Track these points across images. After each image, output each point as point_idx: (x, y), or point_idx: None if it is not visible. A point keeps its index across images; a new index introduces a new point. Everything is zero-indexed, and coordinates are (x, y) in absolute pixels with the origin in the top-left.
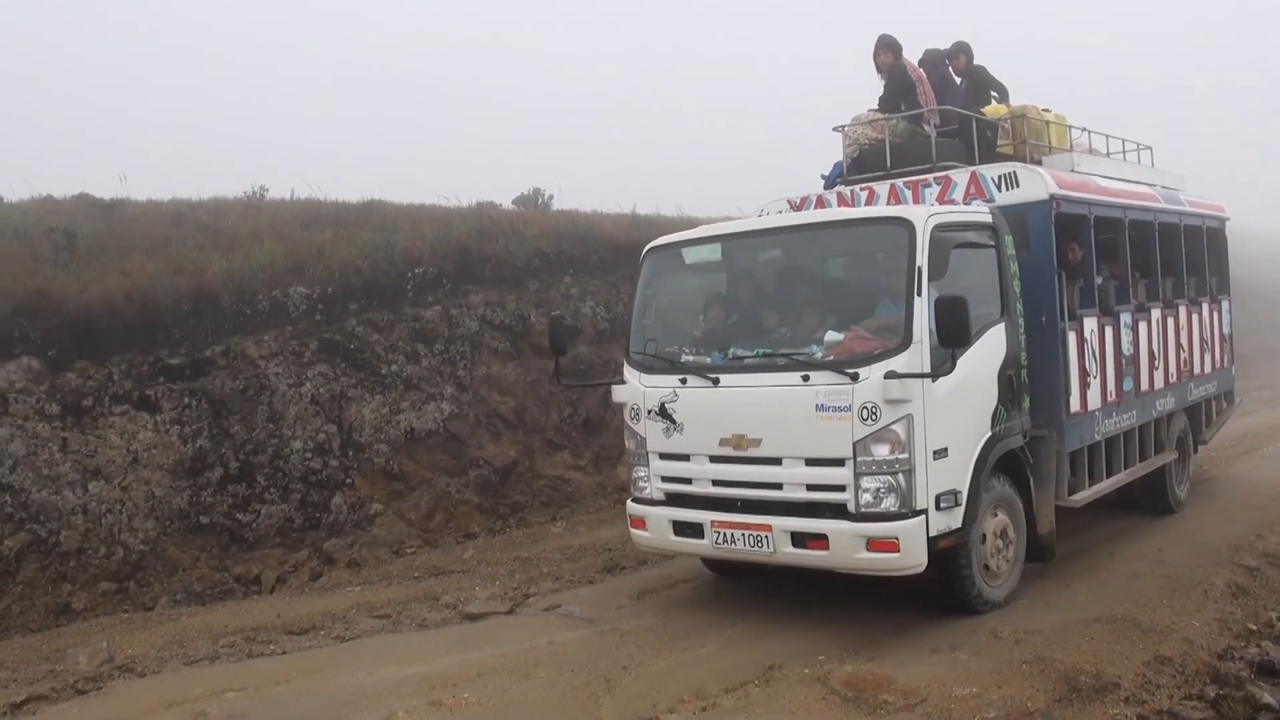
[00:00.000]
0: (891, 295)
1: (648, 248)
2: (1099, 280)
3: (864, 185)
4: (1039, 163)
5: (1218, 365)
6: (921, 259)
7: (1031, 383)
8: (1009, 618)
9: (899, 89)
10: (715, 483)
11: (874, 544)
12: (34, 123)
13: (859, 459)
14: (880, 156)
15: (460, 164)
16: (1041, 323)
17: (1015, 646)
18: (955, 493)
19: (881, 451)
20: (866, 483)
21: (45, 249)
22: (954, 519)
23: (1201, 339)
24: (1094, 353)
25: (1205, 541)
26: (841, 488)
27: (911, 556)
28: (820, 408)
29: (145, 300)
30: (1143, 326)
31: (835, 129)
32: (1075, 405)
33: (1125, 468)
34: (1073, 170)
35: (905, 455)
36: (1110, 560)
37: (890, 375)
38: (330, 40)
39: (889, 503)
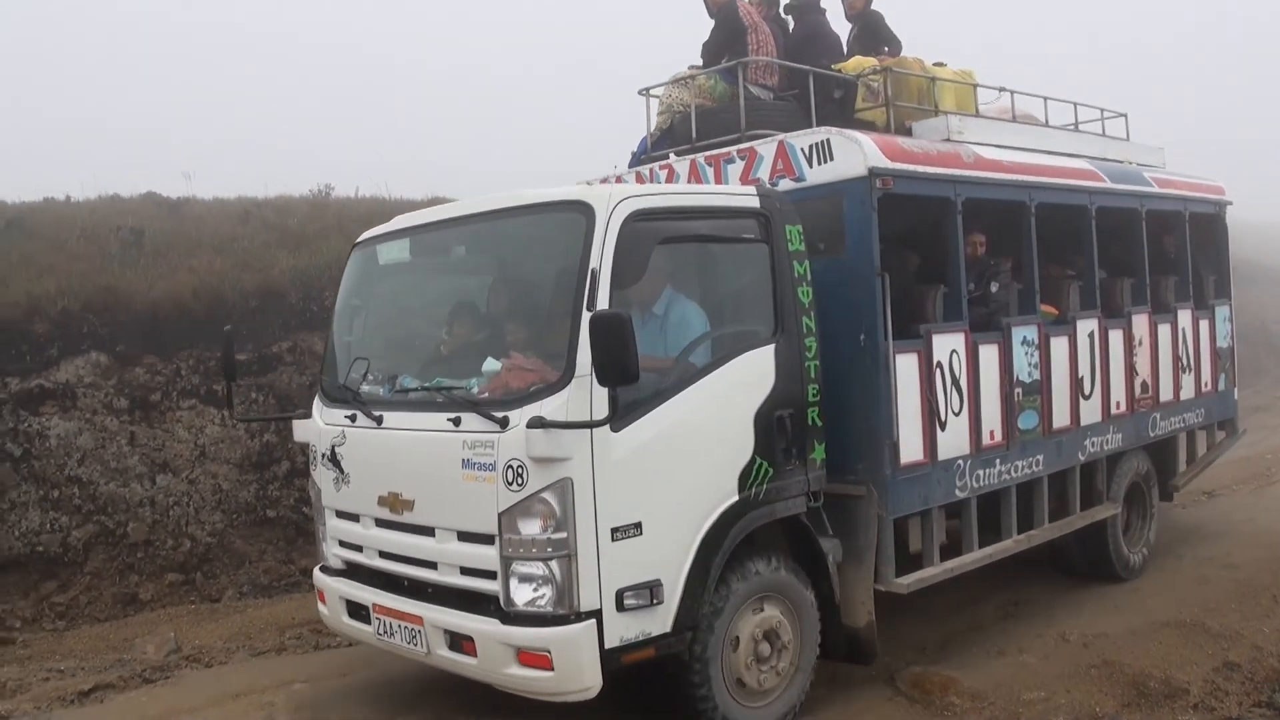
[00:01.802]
0: (563, 310)
1: (356, 242)
2: (994, 287)
3: (664, 163)
4: (908, 131)
5: (1205, 388)
6: (598, 259)
7: (846, 424)
8: (1077, 621)
9: (725, 36)
10: (381, 554)
11: (524, 656)
12: (102, 122)
13: (504, 536)
14: (712, 124)
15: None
16: (860, 343)
17: (1083, 650)
18: (655, 586)
19: (530, 528)
20: (517, 569)
21: (113, 247)
22: (654, 622)
23: (1177, 356)
24: (955, 381)
25: (1274, 545)
26: (493, 574)
27: (571, 677)
28: (466, 464)
29: (213, 297)
30: (1058, 344)
31: (641, 92)
32: (912, 453)
33: (1017, 532)
34: (947, 139)
35: (563, 535)
36: (1179, 563)
37: (536, 423)
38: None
39: (545, 600)
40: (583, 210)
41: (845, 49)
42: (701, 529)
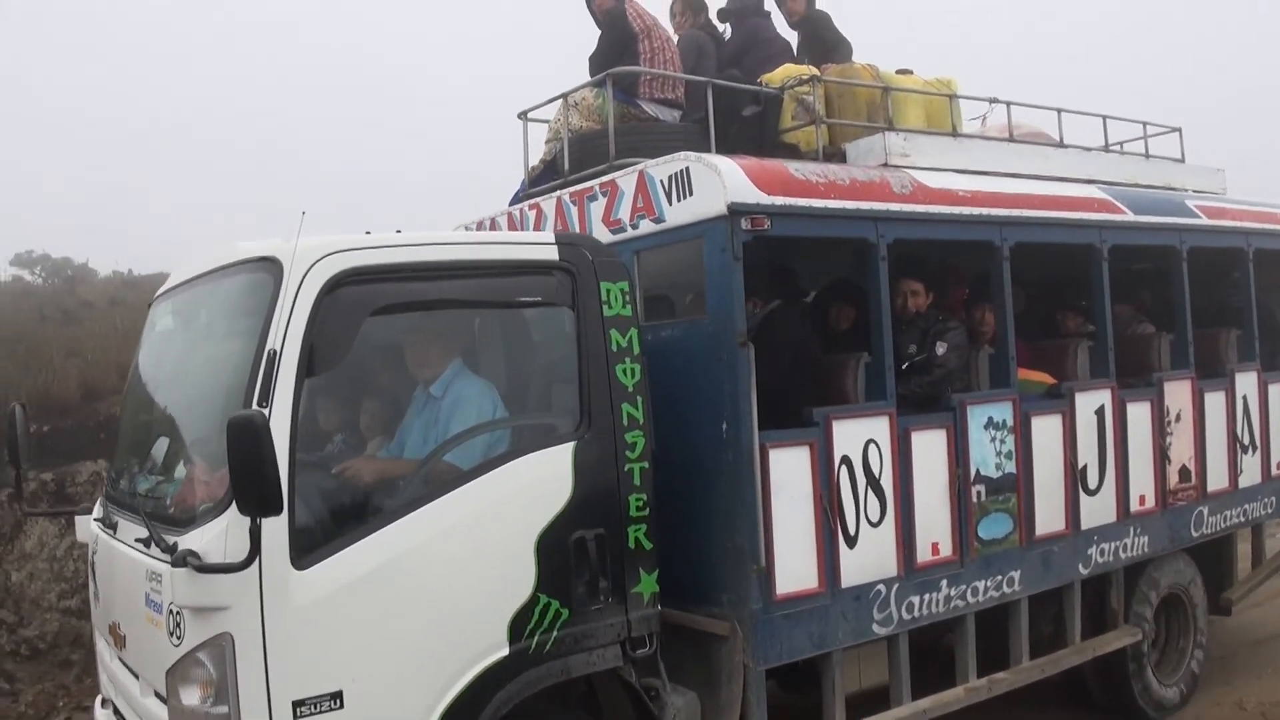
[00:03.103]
0: (236, 403)
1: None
2: (939, 349)
3: (534, 203)
4: (841, 155)
5: (1277, 472)
6: (279, 336)
7: (709, 540)
8: (1254, 686)
9: (610, 45)
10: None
11: None
12: None
13: (170, 703)
14: (591, 151)
15: None
16: (722, 436)
17: None
18: None
19: (190, 697)
20: None
21: None
22: None
23: (1234, 432)
24: (872, 481)
25: None
26: None
27: None
28: (148, 600)
29: None
30: (1046, 425)
31: (521, 115)
32: (796, 580)
33: (977, 674)
34: (884, 163)
35: (223, 709)
36: (1230, 691)
37: (181, 561)
38: None
39: None
40: (270, 270)
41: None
42: (444, 698)
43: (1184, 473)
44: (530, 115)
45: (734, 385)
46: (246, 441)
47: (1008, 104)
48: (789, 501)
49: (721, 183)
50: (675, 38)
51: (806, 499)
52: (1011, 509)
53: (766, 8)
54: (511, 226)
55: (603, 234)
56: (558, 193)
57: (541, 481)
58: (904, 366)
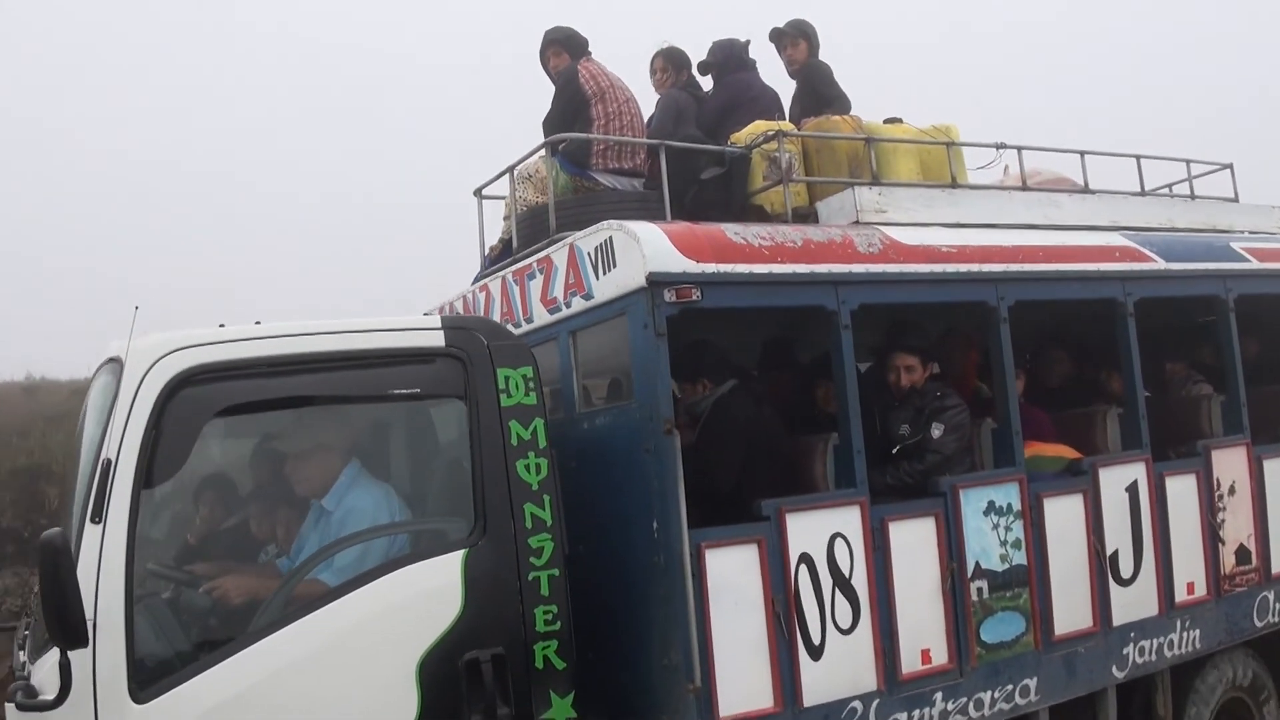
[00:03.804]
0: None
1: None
2: (935, 430)
3: (483, 284)
4: (813, 215)
5: None
6: (115, 444)
7: (646, 656)
8: None
9: (562, 109)
10: None
11: None
12: None
13: None
14: (541, 227)
15: None
16: (653, 536)
17: None
18: None
19: None
20: None
21: None
22: None
23: None
24: (842, 582)
25: None
26: None
27: None
28: None
29: None
30: (1063, 506)
31: (476, 193)
32: (747, 699)
33: None
34: (855, 220)
35: None
36: None
37: (12, 697)
38: None
39: None
40: (114, 371)
41: (788, 112)
42: None
43: (1242, 554)
44: (485, 192)
45: (661, 478)
46: (47, 566)
47: (1018, 149)
48: (733, 609)
49: (640, 252)
50: (656, 97)
51: (755, 605)
52: (1023, 606)
53: (752, 57)
54: (466, 310)
55: (541, 314)
56: (503, 272)
57: (425, 596)
58: (894, 450)
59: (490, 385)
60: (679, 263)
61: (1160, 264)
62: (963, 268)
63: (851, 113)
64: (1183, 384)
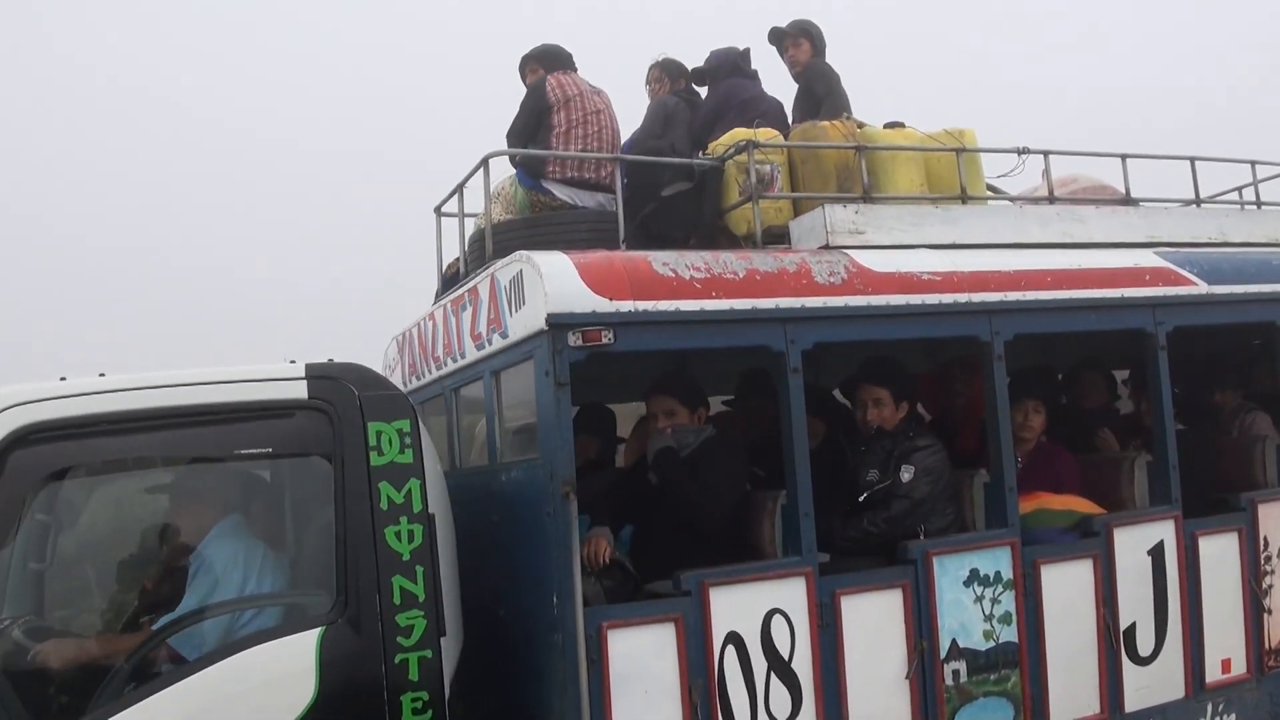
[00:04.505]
0: None
1: None
2: (905, 474)
3: (430, 312)
4: (784, 236)
5: None
6: None
7: None
8: None
9: (525, 119)
10: None
11: None
12: None
13: None
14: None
15: None
16: (553, 611)
17: None
18: None
19: None
20: None
21: None
22: None
23: None
24: (779, 666)
25: None
26: None
27: None
28: None
29: None
30: (1065, 574)
31: (436, 210)
32: None
33: None
34: (825, 245)
35: None
36: None
37: None
38: None
39: None
40: None
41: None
42: None
43: None
44: (445, 211)
45: (561, 546)
46: None
47: (1045, 153)
48: (642, 699)
49: (543, 289)
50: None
51: (670, 695)
52: (1011, 690)
53: (754, 67)
54: (419, 341)
55: (470, 349)
56: (446, 300)
57: (274, 681)
58: (861, 499)
59: (359, 442)
60: (588, 301)
61: (1201, 287)
62: (947, 298)
63: (851, 117)
64: (1234, 416)
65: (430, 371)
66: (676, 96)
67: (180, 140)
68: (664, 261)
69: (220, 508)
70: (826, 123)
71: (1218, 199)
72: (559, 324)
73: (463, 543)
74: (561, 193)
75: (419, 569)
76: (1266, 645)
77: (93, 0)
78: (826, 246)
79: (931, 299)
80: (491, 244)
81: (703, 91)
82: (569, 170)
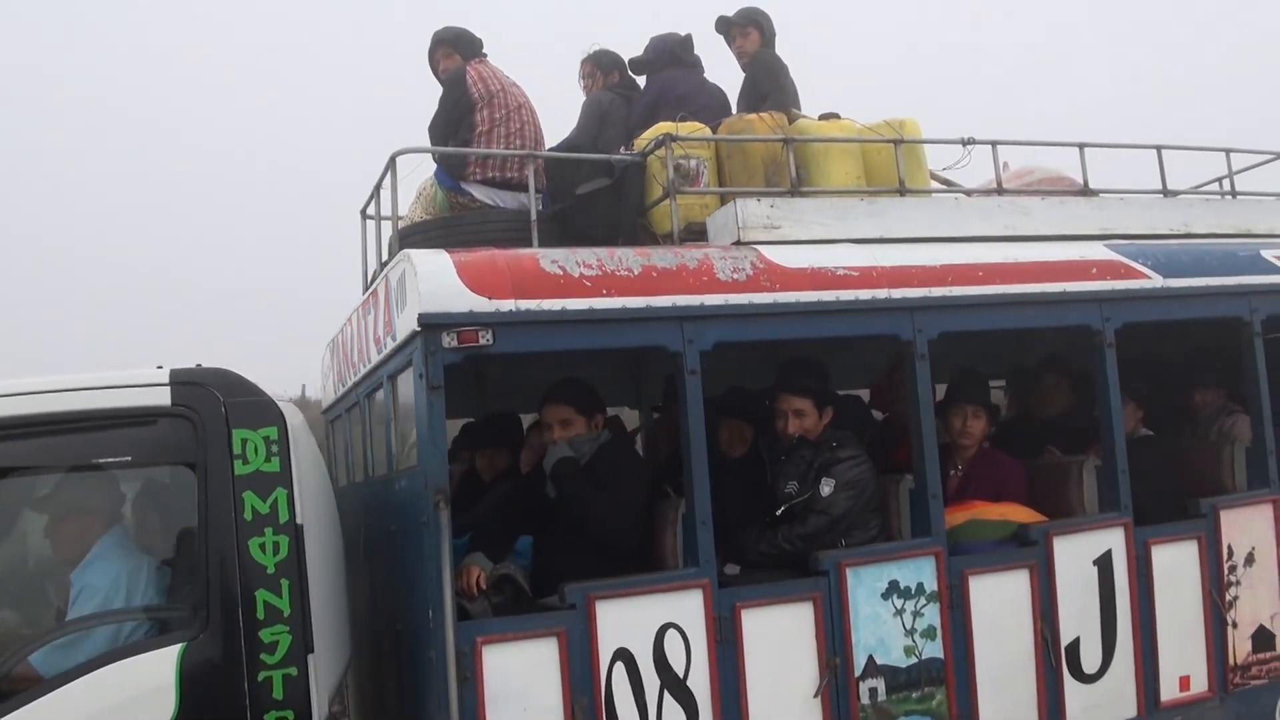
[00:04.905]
0: None
1: None
2: (825, 488)
3: (350, 316)
4: (700, 230)
5: None
6: None
7: None
8: None
9: (447, 114)
10: None
11: None
12: None
13: None
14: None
15: None
16: (429, 626)
17: None
18: None
19: None
20: None
21: None
22: None
23: None
24: (672, 682)
25: None
26: None
27: None
28: None
29: None
30: (996, 585)
31: (362, 211)
32: None
33: None
34: (737, 241)
35: None
36: None
37: None
38: None
39: None
40: None
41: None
42: None
43: (1262, 638)
44: (369, 213)
45: (434, 558)
46: None
47: (992, 143)
48: (519, 718)
49: (417, 289)
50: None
51: (552, 714)
52: (937, 709)
53: (697, 54)
54: (340, 346)
55: (373, 353)
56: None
57: (134, 699)
58: (779, 513)
59: (223, 449)
60: (465, 300)
61: (1155, 281)
62: (864, 294)
63: (797, 111)
64: (1214, 418)
65: (351, 377)
66: (612, 92)
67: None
68: (553, 259)
69: (99, 521)
70: (753, 115)
71: (1199, 190)
72: (431, 324)
73: (370, 555)
74: (481, 194)
75: (284, 582)
76: (1232, 661)
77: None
78: (739, 242)
79: (846, 295)
80: (399, 246)
81: (642, 82)
82: (490, 170)
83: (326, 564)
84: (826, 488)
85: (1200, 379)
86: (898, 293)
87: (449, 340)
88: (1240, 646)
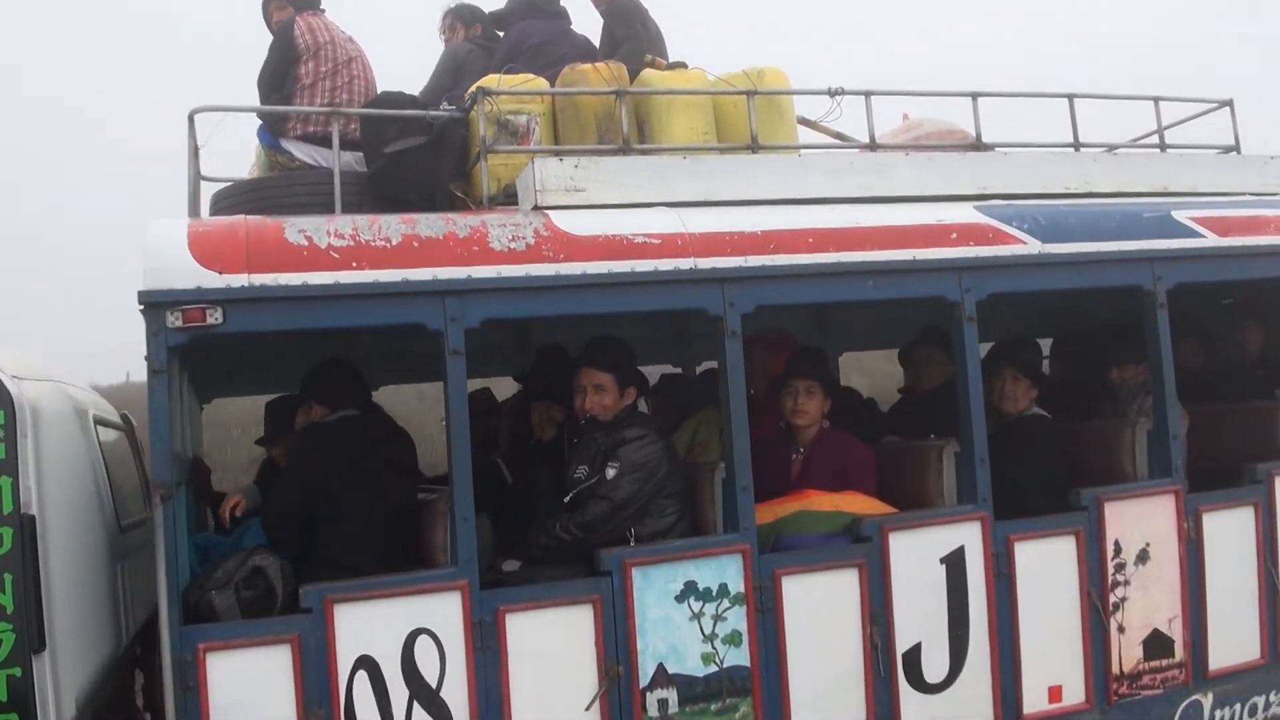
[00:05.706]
0: None
1: None
2: (608, 473)
3: None
4: (538, 200)
5: None
6: None
7: None
8: None
9: (274, 66)
10: None
11: None
12: None
13: None
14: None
15: None
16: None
17: None
18: None
19: None
20: None
21: None
22: None
23: (1268, 567)
24: (420, 693)
25: None
26: None
27: None
28: None
29: None
30: (817, 586)
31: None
32: None
33: None
34: (536, 205)
35: None
36: None
37: None
38: None
39: None
40: None
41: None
42: None
43: (1156, 644)
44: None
45: (165, 557)
46: None
47: (865, 94)
48: None
49: (143, 264)
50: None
51: None
52: None
53: (562, 4)
54: None
55: None
56: None
57: None
58: (566, 500)
59: (20, 449)
60: (193, 276)
61: (1032, 246)
62: (665, 264)
63: (649, 56)
64: (1133, 396)
65: None
66: (472, 44)
67: None
68: (300, 229)
69: None
70: (587, 66)
71: (1123, 146)
72: (154, 302)
73: None
74: (301, 152)
75: (7, 577)
76: (1115, 669)
77: None
78: (536, 207)
79: (644, 266)
80: (212, 213)
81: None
82: (311, 126)
83: (76, 558)
84: (611, 470)
85: (1119, 353)
86: (706, 262)
87: (174, 320)
88: (1128, 653)
